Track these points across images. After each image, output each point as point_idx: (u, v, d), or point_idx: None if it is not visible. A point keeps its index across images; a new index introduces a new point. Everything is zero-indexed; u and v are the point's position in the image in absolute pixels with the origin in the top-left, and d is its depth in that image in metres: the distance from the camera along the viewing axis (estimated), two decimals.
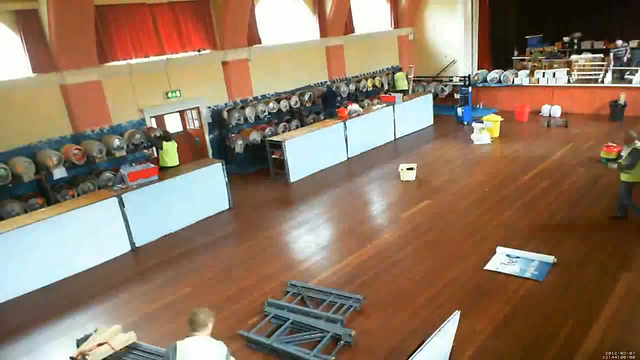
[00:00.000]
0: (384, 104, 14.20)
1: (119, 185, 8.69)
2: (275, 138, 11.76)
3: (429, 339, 3.48)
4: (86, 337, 5.27)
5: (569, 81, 15.39)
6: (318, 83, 15.53)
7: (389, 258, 7.25)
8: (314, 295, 6.33)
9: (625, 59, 15.25)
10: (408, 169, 10.58)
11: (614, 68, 14.99)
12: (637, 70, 14.41)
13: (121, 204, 8.29)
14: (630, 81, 14.27)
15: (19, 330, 6.43)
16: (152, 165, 9.15)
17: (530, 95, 15.81)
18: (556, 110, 14.97)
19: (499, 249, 7.00)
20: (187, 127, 12.77)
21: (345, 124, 12.62)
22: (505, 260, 6.76)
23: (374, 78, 17.11)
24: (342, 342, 5.29)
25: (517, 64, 18.44)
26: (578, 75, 15.42)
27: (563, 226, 7.72)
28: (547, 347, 5.00)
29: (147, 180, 8.72)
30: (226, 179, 9.91)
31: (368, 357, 5.16)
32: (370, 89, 16.82)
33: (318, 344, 5.27)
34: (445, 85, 17.76)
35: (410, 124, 14.86)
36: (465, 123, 14.89)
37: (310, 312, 5.85)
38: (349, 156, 12.92)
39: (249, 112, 12.89)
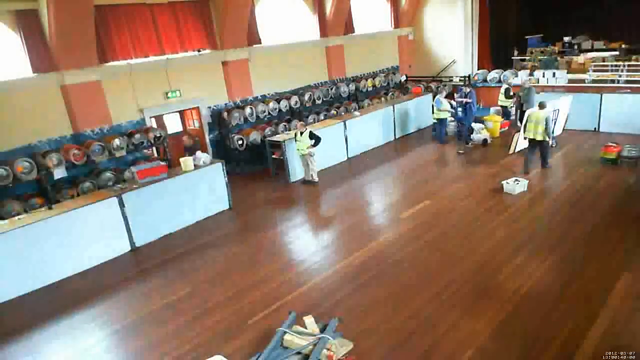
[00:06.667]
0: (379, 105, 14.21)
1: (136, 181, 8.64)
2: (275, 138, 11.77)
3: None
4: None
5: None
6: (318, 83, 15.53)
7: (389, 258, 7.24)
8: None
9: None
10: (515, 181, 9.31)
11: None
12: None
13: (121, 204, 8.29)
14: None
15: (19, 330, 6.42)
16: (162, 163, 9.10)
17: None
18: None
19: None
20: (187, 127, 12.78)
21: (345, 123, 12.62)
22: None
23: (374, 78, 17.10)
24: None
25: (517, 64, 18.43)
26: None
27: (563, 225, 7.72)
28: (547, 347, 4.99)
29: (157, 178, 8.74)
30: (226, 179, 9.91)
31: (368, 357, 5.16)
32: (370, 89, 16.81)
33: None
34: (445, 85, 17.73)
35: (410, 124, 14.87)
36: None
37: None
38: (349, 156, 12.92)
39: (248, 112, 12.89)
